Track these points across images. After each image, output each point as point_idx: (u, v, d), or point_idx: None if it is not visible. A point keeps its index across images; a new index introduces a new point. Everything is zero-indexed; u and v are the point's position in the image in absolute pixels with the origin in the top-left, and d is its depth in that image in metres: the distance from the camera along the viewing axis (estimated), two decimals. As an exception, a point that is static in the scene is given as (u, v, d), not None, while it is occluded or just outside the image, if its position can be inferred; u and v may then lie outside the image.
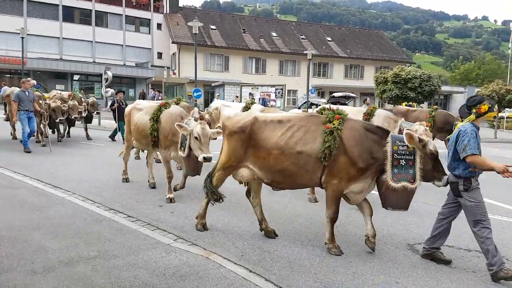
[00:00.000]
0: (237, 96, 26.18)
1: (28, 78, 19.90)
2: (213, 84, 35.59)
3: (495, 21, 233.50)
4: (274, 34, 45.60)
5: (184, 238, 5.03)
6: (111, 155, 10.99)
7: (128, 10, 42.00)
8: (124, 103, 13.75)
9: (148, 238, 4.97)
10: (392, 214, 6.50)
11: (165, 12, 43.91)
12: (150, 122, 6.84)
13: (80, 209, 6.06)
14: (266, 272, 4.17)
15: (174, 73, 39.75)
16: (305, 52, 30.40)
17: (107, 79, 21.08)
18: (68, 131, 14.80)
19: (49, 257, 4.26)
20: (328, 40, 47.86)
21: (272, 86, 29.57)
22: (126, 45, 41.82)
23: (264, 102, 24.40)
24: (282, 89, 28.45)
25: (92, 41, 40.28)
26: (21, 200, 6.38)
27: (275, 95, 28.11)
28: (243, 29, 44.63)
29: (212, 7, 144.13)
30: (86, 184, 7.70)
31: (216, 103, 11.72)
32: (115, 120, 14.30)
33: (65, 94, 14.14)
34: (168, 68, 40.62)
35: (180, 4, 48.02)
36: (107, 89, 20.92)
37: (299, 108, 29.42)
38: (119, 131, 14.01)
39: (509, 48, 44.99)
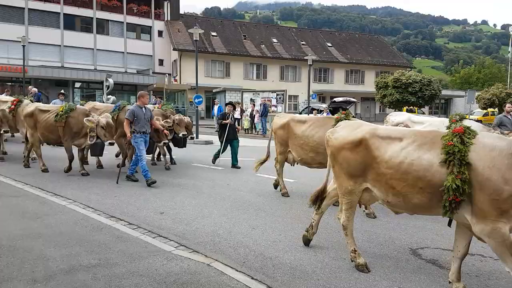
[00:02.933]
0: (238, 102, 26.19)
1: (30, 86, 20.00)
2: (214, 90, 35.63)
3: (495, 25, 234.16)
4: (274, 40, 45.75)
5: (185, 245, 5.01)
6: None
7: (129, 17, 42.21)
8: (232, 118, 11.30)
9: (149, 246, 4.95)
10: (395, 218, 6.47)
11: (166, 19, 44.12)
12: (448, 167, 3.53)
13: (81, 217, 6.04)
14: (268, 279, 4.14)
15: (176, 80, 39.86)
16: (305, 57, 30.46)
17: (108, 87, 21.15)
18: (170, 156, 11.52)
19: (49, 266, 4.24)
20: (329, 46, 47.99)
21: (273, 91, 29.60)
22: (127, 52, 41.99)
23: (265, 108, 24.37)
24: (283, 94, 28.49)
25: (93, 49, 40.46)
26: (22, 209, 6.37)
27: (276, 101, 28.14)
28: (243, 36, 44.79)
29: (213, 14, 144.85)
30: (87, 192, 7.69)
31: (399, 117, 9.16)
32: (220, 138, 11.43)
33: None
34: (169, 74, 40.74)
35: (181, 11, 48.28)
36: (108, 96, 20.97)
37: (300, 113, 29.44)
38: (222, 152, 11.46)
39: (509, 51, 45.06)
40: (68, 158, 9.31)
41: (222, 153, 11.34)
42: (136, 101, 9.08)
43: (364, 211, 6.55)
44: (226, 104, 11.86)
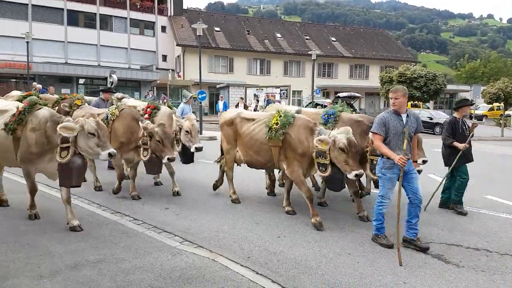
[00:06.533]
0: (242, 98, 26.20)
1: (34, 83, 20.06)
2: (218, 86, 35.65)
3: (501, 19, 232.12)
4: (278, 35, 45.57)
5: (190, 241, 5.02)
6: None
7: (133, 13, 42.17)
8: (466, 126, 6.77)
9: (154, 241, 4.96)
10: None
11: (169, 14, 44.04)
12: None
13: (86, 213, 6.06)
14: (273, 274, 4.14)
15: (179, 76, 39.84)
16: (309, 52, 30.36)
17: (112, 83, 21.16)
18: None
19: (55, 261, 4.26)
20: (333, 40, 47.75)
21: (277, 87, 29.61)
22: (131, 48, 41.98)
23: (268, 104, 24.33)
24: (287, 90, 28.48)
25: (97, 45, 40.47)
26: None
27: (280, 96, 28.13)
28: (247, 31, 44.65)
29: (216, 9, 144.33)
30: (92, 188, 7.70)
31: None
32: (448, 163, 6.85)
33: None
34: (172, 70, 40.73)
35: (184, 7, 48.12)
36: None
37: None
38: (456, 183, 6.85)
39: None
40: (306, 196, 5.86)
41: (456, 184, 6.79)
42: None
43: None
44: (462, 105, 6.89)
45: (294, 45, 44.58)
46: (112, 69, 23.77)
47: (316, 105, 26.39)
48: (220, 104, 25.42)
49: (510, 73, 50.63)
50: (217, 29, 42.80)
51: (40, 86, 17.87)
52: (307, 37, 46.73)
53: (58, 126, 4.91)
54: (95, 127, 5.02)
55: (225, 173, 7.25)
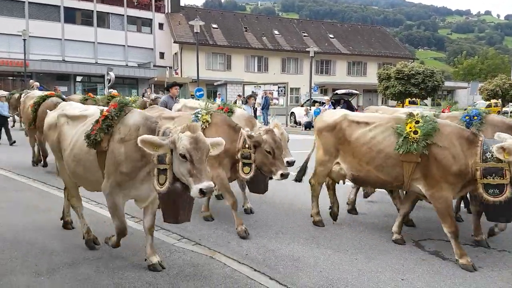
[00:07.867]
0: (239, 95, 26.15)
1: (31, 80, 19.99)
2: (215, 83, 35.57)
3: (498, 15, 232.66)
4: (276, 32, 45.52)
5: (188, 238, 5.02)
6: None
7: (130, 10, 42.08)
8: None
9: (152, 238, 4.95)
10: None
11: (166, 11, 43.94)
12: None
13: (84, 211, 6.02)
14: (271, 271, 4.15)
15: (177, 73, 39.77)
16: (307, 49, 30.34)
17: (109, 80, 21.15)
18: None
19: (53, 259, 4.25)
20: (331, 37, 47.74)
21: (274, 84, 29.53)
22: (128, 46, 41.90)
23: (266, 101, 24.28)
24: (284, 87, 28.42)
25: (94, 42, 40.38)
26: (26, 203, 6.38)
27: (278, 93, 28.09)
28: (245, 28, 44.59)
29: (213, 6, 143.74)
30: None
31: None
32: None
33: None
34: (170, 68, 40.68)
35: (182, 4, 48.05)
36: (109, 90, 20.96)
37: (302, 106, 29.40)
38: None
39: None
40: (450, 231, 4.42)
41: None
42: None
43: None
44: None
45: (291, 42, 44.56)
46: (109, 67, 23.76)
47: (314, 102, 26.41)
48: (218, 101, 25.36)
49: (508, 70, 50.68)
50: (214, 26, 42.73)
51: (37, 83, 17.79)
52: (305, 34, 46.71)
53: (139, 139, 3.44)
54: (188, 146, 3.39)
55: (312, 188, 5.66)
